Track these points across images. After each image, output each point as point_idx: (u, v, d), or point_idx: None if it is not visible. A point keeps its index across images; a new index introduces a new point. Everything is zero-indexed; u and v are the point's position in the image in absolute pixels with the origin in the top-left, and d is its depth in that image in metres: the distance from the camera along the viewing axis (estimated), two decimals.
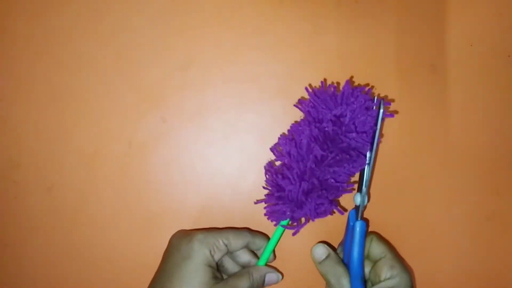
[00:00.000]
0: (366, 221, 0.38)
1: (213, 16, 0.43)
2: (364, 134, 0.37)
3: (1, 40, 0.43)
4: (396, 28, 0.43)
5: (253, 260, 0.40)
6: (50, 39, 0.43)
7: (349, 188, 0.38)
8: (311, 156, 0.36)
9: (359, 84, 0.43)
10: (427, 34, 0.43)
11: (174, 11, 0.43)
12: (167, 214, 0.42)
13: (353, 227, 0.37)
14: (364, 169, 0.37)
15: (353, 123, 0.37)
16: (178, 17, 0.43)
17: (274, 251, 0.40)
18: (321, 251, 0.38)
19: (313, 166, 0.36)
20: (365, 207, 0.38)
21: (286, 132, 0.41)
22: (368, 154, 0.37)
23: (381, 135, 0.38)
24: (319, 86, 0.42)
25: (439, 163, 0.43)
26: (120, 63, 0.43)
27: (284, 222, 0.38)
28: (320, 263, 0.38)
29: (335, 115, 0.37)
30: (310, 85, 0.42)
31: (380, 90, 0.43)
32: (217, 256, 0.37)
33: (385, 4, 0.43)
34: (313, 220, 0.38)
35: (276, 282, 0.39)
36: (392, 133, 0.43)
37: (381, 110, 0.36)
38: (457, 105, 0.43)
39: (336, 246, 0.42)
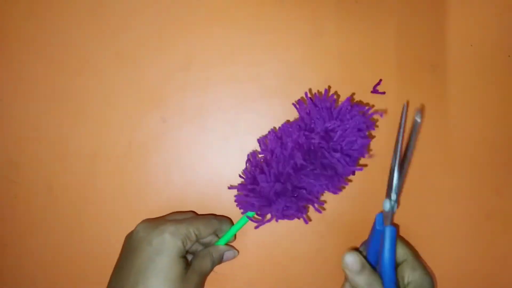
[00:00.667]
0: (396, 227, 0.37)
1: (213, 16, 0.43)
2: (348, 158, 0.36)
3: (1, 40, 0.43)
4: (396, 28, 0.43)
5: (213, 239, 0.41)
6: (50, 39, 0.43)
7: (319, 204, 0.38)
8: (291, 161, 0.36)
9: (360, 101, 0.43)
10: (427, 34, 0.43)
11: (174, 11, 0.43)
12: (167, 214, 0.42)
13: (383, 232, 0.35)
14: (392, 172, 0.36)
15: (341, 142, 0.36)
16: (178, 17, 0.43)
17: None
18: (357, 262, 0.35)
19: (291, 171, 0.36)
20: (394, 213, 0.36)
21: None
22: (395, 160, 0.36)
23: (414, 146, 0.37)
24: (320, 91, 0.42)
25: (439, 163, 0.43)
26: (120, 63, 0.43)
27: (250, 214, 0.39)
28: (356, 275, 0.35)
29: (326, 128, 0.37)
30: (310, 90, 0.42)
31: (380, 90, 0.43)
32: (188, 246, 0.37)
33: (385, 4, 0.43)
34: (276, 221, 0.38)
35: (232, 258, 0.41)
36: (392, 133, 0.43)
37: (418, 120, 0.35)
38: (457, 105, 0.43)
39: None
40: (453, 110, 0.43)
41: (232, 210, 0.41)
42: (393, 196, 0.36)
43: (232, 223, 0.42)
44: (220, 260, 0.40)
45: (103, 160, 0.43)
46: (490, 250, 0.43)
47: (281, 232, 0.42)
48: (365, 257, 0.38)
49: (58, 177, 0.43)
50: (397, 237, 0.36)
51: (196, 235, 0.38)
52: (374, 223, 0.37)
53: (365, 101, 0.43)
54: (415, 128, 0.35)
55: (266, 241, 0.43)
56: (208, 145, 0.43)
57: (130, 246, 0.37)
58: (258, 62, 0.43)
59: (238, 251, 0.41)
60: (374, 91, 0.43)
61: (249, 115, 0.43)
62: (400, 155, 0.36)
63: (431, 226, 0.43)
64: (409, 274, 0.36)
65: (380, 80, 0.43)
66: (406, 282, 0.36)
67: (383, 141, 0.43)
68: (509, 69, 0.43)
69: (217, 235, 0.41)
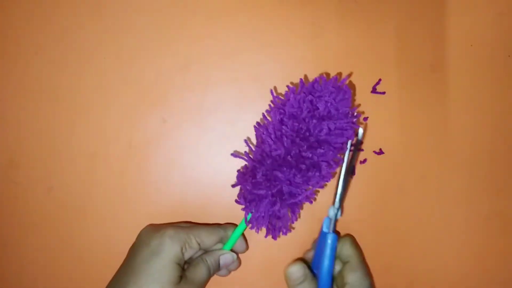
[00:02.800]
0: (337, 234, 0.39)
1: (213, 16, 0.43)
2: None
3: (1, 40, 0.43)
4: (396, 28, 0.43)
5: (217, 247, 0.40)
6: (50, 39, 0.43)
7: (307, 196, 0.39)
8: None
9: (357, 108, 0.43)
10: (427, 34, 0.43)
11: (174, 11, 0.43)
12: (167, 214, 0.42)
13: (325, 238, 0.37)
14: (338, 182, 0.37)
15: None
16: (178, 17, 0.43)
17: (246, 241, 0.41)
18: (299, 273, 0.38)
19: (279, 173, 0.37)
20: (337, 220, 0.38)
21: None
22: (340, 167, 0.37)
23: (354, 162, 0.40)
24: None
25: (439, 163, 0.43)
26: (120, 63, 0.43)
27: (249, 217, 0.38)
28: (297, 285, 0.37)
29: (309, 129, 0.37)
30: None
31: (380, 90, 0.43)
32: (187, 254, 0.37)
33: (385, 4, 0.43)
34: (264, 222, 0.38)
35: (232, 262, 0.39)
36: (392, 133, 0.43)
37: (359, 138, 0.38)
38: (457, 105, 0.43)
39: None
40: (453, 110, 0.43)
41: (232, 210, 0.41)
42: (337, 204, 0.37)
43: None
44: (218, 266, 0.38)
45: (103, 160, 0.43)
46: (489, 251, 0.43)
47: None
48: (308, 266, 0.39)
49: (58, 177, 0.43)
50: (345, 236, 0.39)
51: (198, 243, 0.37)
52: (322, 227, 0.38)
53: (365, 101, 0.43)
54: (356, 145, 0.38)
55: (266, 241, 0.43)
56: (208, 145, 0.43)
57: (132, 248, 0.38)
58: (258, 62, 0.43)
59: (237, 255, 0.40)
60: (374, 91, 0.43)
61: (249, 115, 0.43)
62: (346, 166, 0.37)
63: (431, 227, 0.43)
64: (349, 275, 0.37)
65: (380, 80, 0.43)
66: (345, 282, 0.37)
67: (383, 141, 0.43)
68: (509, 69, 0.43)
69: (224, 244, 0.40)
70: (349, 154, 0.37)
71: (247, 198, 0.38)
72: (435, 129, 0.43)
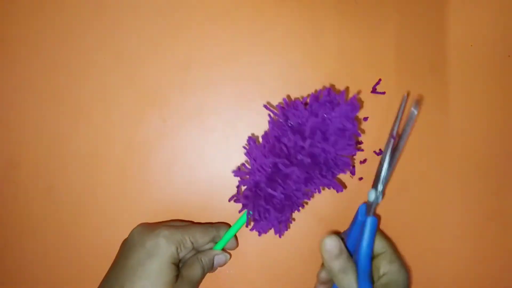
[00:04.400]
0: (377, 218, 0.37)
1: (213, 16, 0.43)
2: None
3: (1, 40, 0.43)
4: (396, 28, 0.43)
5: (209, 245, 0.39)
6: (50, 39, 0.43)
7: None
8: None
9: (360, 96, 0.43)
10: (427, 34, 0.43)
11: (174, 11, 0.43)
12: (167, 214, 0.42)
13: (364, 222, 0.35)
14: (382, 162, 0.36)
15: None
16: (178, 17, 0.43)
17: (237, 239, 0.41)
18: (335, 246, 0.35)
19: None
20: (377, 204, 0.36)
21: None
22: (388, 152, 0.36)
23: (407, 138, 0.36)
24: (320, 88, 0.42)
25: (439, 163, 0.43)
26: (120, 63, 0.43)
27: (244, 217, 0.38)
28: (333, 259, 0.35)
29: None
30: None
31: (380, 90, 0.43)
32: (182, 254, 0.37)
33: (385, 4, 0.43)
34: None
35: (225, 263, 0.39)
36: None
37: (415, 111, 0.34)
38: (457, 105, 0.43)
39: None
40: (453, 110, 0.43)
41: (232, 211, 0.41)
42: (380, 187, 0.36)
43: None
44: (212, 265, 0.39)
45: (103, 160, 0.43)
46: (490, 251, 0.43)
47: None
48: (344, 245, 0.37)
49: (58, 177, 0.43)
50: (377, 228, 0.36)
51: (192, 243, 0.37)
52: (357, 214, 0.37)
53: (365, 101, 0.43)
54: (411, 120, 0.34)
55: (266, 241, 0.43)
56: (208, 145, 0.43)
57: (124, 249, 0.37)
58: (258, 62, 0.43)
59: (230, 255, 0.40)
60: (374, 91, 0.43)
61: (249, 115, 0.43)
62: (392, 146, 0.35)
63: (431, 227, 0.43)
64: (386, 266, 0.36)
65: (380, 79, 0.43)
66: (381, 273, 0.36)
67: (383, 141, 0.43)
68: (509, 69, 0.43)
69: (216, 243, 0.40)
70: (396, 131, 0.35)
71: (258, 211, 0.37)
72: (435, 129, 0.43)
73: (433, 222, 0.43)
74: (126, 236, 0.39)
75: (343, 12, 0.43)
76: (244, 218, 0.39)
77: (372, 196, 0.36)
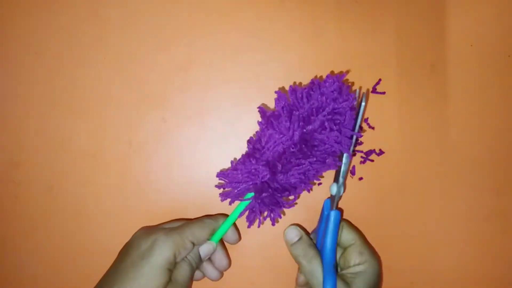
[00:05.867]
0: (340, 211, 0.38)
1: (213, 16, 0.43)
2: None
3: (1, 40, 0.43)
4: (396, 28, 0.43)
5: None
6: (50, 39, 0.43)
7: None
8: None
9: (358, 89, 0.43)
10: (427, 34, 0.43)
11: (174, 11, 0.43)
12: (167, 214, 0.42)
13: (328, 216, 0.37)
14: (341, 159, 0.38)
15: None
16: (178, 18, 0.43)
17: (239, 232, 0.41)
18: (294, 233, 0.38)
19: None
20: (340, 197, 0.38)
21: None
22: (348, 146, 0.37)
23: (360, 129, 0.39)
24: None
25: (439, 163, 0.43)
26: (120, 63, 0.43)
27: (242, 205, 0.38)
28: (292, 245, 0.38)
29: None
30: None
31: (380, 90, 0.43)
32: (180, 257, 0.36)
33: (385, 4, 0.43)
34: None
35: (213, 250, 0.38)
36: (392, 133, 0.43)
37: (362, 104, 0.37)
38: (457, 105, 0.43)
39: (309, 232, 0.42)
40: (453, 110, 0.43)
41: (232, 210, 0.41)
42: (340, 180, 0.38)
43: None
44: (199, 258, 0.38)
45: (103, 160, 0.43)
46: (489, 250, 0.43)
47: (280, 232, 0.42)
48: (315, 244, 0.39)
49: (58, 177, 0.43)
50: (341, 221, 0.38)
51: (192, 242, 0.37)
52: (323, 209, 0.39)
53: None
54: (360, 113, 0.37)
55: (266, 241, 0.43)
56: (208, 145, 0.43)
57: (121, 252, 0.37)
58: (258, 63, 0.43)
59: (215, 244, 0.39)
60: (374, 91, 0.43)
61: (249, 115, 0.43)
62: (354, 144, 0.38)
63: (431, 226, 0.43)
64: (356, 257, 0.37)
65: (380, 80, 0.43)
66: (352, 264, 0.37)
67: (383, 141, 0.43)
68: (509, 69, 0.43)
69: None
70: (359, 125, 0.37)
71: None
72: (435, 129, 0.43)
73: (433, 222, 0.43)
74: (126, 235, 0.39)
75: (343, 12, 0.43)
76: (241, 208, 0.39)
77: (334, 189, 0.38)
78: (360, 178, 0.43)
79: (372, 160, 0.42)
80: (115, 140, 0.43)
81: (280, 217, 0.40)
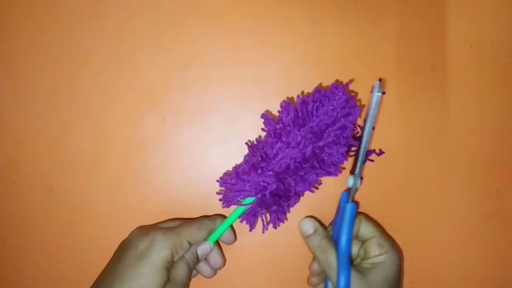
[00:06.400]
0: (356, 204, 0.38)
1: (213, 16, 0.43)
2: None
3: (1, 40, 0.43)
4: (396, 28, 0.43)
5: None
6: (50, 39, 0.43)
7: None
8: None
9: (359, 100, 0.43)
10: (427, 34, 0.43)
11: (174, 11, 0.43)
12: (167, 214, 0.42)
13: (344, 208, 0.37)
14: (359, 152, 0.37)
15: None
16: (178, 17, 0.43)
17: (234, 232, 0.41)
18: (309, 225, 0.38)
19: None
20: (356, 189, 0.38)
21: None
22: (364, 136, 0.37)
23: (376, 121, 0.39)
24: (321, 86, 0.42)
25: (439, 163, 0.43)
26: (120, 63, 0.43)
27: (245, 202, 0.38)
28: (307, 237, 0.38)
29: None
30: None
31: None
32: (178, 256, 0.36)
33: (385, 4, 0.43)
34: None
35: (210, 250, 0.38)
36: (392, 133, 0.43)
37: (376, 93, 0.36)
38: (457, 105, 0.43)
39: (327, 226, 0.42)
40: (452, 110, 0.43)
41: (232, 210, 0.41)
42: (356, 172, 0.37)
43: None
44: (197, 258, 0.38)
45: (103, 160, 0.43)
46: (490, 250, 0.43)
47: (280, 231, 0.42)
48: (330, 236, 0.39)
49: (58, 177, 0.43)
50: (358, 214, 0.38)
51: (189, 242, 0.37)
52: (340, 201, 0.39)
53: (365, 101, 0.43)
54: (376, 104, 0.36)
55: (266, 241, 0.43)
56: (208, 145, 0.43)
57: (118, 251, 0.37)
58: (258, 62, 0.43)
59: (212, 244, 0.39)
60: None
61: (249, 115, 0.43)
62: (370, 134, 0.36)
63: (431, 226, 0.43)
64: (376, 249, 0.37)
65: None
66: (372, 255, 0.37)
67: (383, 141, 0.43)
68: (509, 69, 0.43)
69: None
70: (371, 120, 0.36)
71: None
72: (435, 129, 0.43)
73: (433, 222, 0.43)
74: (125, 235, 0.39)
75: (343, 12, 0.43)
76: (239, 211, 0.39)
77: (350, 182, 0.38)
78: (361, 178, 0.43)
79: (372, 160, 0.42)
80: (115, 140, 0.43)
81: (284, 222, 0.40)
